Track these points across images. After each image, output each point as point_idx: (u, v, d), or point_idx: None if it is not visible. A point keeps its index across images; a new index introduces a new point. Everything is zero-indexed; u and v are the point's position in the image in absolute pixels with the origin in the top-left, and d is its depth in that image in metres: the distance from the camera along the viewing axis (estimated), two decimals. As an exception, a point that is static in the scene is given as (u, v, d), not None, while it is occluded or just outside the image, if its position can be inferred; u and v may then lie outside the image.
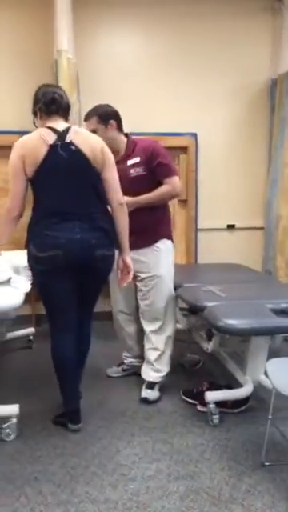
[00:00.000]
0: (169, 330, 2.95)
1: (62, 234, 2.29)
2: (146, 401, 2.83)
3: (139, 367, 3.13)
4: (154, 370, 2.91)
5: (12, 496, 1.99)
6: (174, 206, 4.27)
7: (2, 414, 2.44)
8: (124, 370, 3.18)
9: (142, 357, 3.13)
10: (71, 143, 2.30)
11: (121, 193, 2.45)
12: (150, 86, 4.16)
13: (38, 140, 2.30)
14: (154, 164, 2.79)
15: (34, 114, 2.45)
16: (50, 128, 2.33)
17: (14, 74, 4.02)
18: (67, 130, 2.33)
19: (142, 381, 2.95)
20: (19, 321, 2.91)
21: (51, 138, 2.30)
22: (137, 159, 2.82)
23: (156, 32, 4.22)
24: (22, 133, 3.73)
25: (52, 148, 2.28)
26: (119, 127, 2.86)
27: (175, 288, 3.01)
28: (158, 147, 2.84)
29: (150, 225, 2.86)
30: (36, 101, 2.42)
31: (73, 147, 2.30)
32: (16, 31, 4.00)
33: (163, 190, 2.81)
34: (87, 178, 2.35)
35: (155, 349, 2.92)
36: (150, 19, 4.19)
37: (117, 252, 2.54)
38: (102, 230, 2.37)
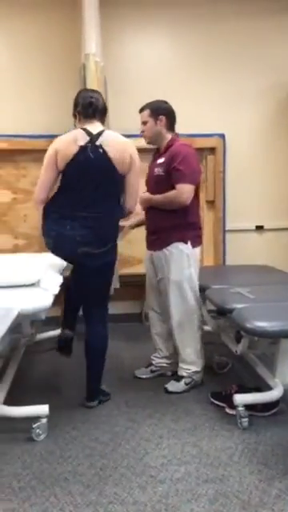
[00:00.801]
0: (188, 336, 2.96)
1: (56, 227, 2.55)
2: (165, 390, 2.93)
3: (167, 368, 3.14)
4: (181, 367, 3.00)
5: (42, 496, 2.01)
6: (202, 207, 4.25)
7: (32, 414, 2.47)
8: (152, 372, 3.18)
9: (170, 358, 3.13)
10: (100, 146, 2.47)
11: (136, 202, 2.64)
12: (178, 88, 4.15)
13: (72, 139, 2.50)
14: (171, 167, 2.80)
15: (74, 116, 2.64)
16: (85, 130, 2.52)
17: (43, 79, 4.07)
18: (100, 133, 2.52)
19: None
20: (48, 322, 2.95)
21: (84, 139, 2.49)
22: (162, 159, 2.87)
23: (183, 33, 4.21)
24: (51, 136, 3.80)
25: (82, 149, 2.47)
26: (169, 125, 2.91)
27: (203, 290, 3.00)
28: (183, 152, 2.80)
29: (165, 228, 2.89)
30: (76, 104, 2.62)
31: (100, 150, 2.47)
32: (44, 36, 4.05)
33: (169, 194, 2.81)
34: (106, 179, 2.53)
35: (179, 352, 3.00)
36: (176, 21, 4.19)
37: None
38: (89, 229, 2.52)
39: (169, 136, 2.91)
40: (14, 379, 2.79)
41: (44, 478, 2.13)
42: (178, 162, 2.77)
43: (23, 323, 2.70)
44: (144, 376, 3.18)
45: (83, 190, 2.53)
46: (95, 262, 2.57)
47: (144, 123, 2.91)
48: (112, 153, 2.49)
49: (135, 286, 4.14)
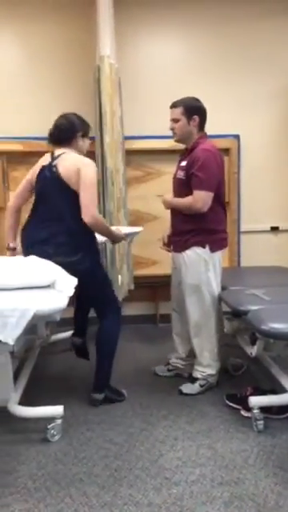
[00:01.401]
0: (205, 339, 2.95)
1: (28, 240, 2.78)
2: (179, 392, 2.94)
3: (183, 370, 3.14)
4: (196, 369, 2.99)
5: (57, 496, 2.02)
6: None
7: (47, 414, 2.49)
8: (169, 370, 3.19)
9: (185, 360, 3.13)
10: (54, 166, 2.70)
11: (92, 210, 2.59)
12: (192, 89, 4.09)
13: (41, 161, 2.83)
14: (190, 173, 2.78)
15: None
16: (51, 153, 2.80)
17: (57, 81, 4.09)
18: (59, 155, 2.74)
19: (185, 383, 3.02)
20: (63, 323, 2.97)
21: (47, 161, 2.77)
22: (185, 163, 2.84)
23: (196, 35, 4.20)
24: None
25: (42, 168, 2.77)
26: (200, 125, 2.87)
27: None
28: (203, 157, 2.74)
29: (184, 232, 2.89)
30: None
31: (54, 169, 2.70)
32: (59, 39, 4.07)
33: (186, 200, 2.80)
34: (62, 194, 2.68)
35: (195, 354, 3.00)
36: (190, 23, 4.17)
37: None
38: (59, 240, 2.66)
39: (197, 136, 2.87)
40: (28, 380, 2.81)
41: (59, 478, 2.14)
42: (197, 168, 2.73)
43: (38, 324, 2.71)
44: (161, 373, 3.20)
45: (47, 205, 2.74)
46: (73, 270, 2.55)
47: (175, 120, 2.84)
48: (61, 170, 2.67)
49: (150, 287, 4.15)
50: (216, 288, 2.94)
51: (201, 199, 2.74)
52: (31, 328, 2.37)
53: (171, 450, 2.36)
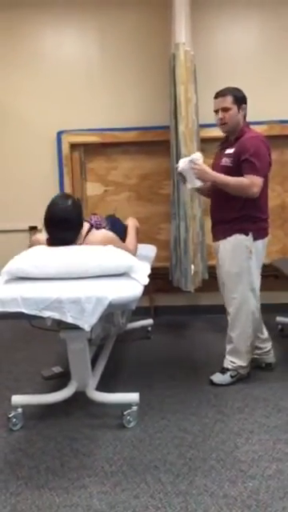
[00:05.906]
0: (239, 328, 2.87)
1: None
2: (210, 381, 2.93)
3: (258, 361, 3.07)
4: (227, 359, 2.95)
5: (133, 482, 2.05)
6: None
7: (124, 400, 2.54)
8: None
9: (259, 348, 3.05)
10: None
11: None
12: (269, 75, 4.01)
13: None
14: (242, 159, 2.70)
15: None
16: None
17: (133, 72, 4.11)
18: None
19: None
20: (138, 312, 3.00)
21: None
22: (231, 150, 2.79)
23: (274, 20, 4.03)
24: (141, 129, 3.87)
25: None
26: (245, 114, 2.85)
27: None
28: (253, 144, 2.70)
29: (225, 220, 2.82)
30: None
31: None
32: (134, 28, 4.08)
33: (243, 180, 2.68)
34: None
35: (229, 343, 2.94)
36: (267, 6, 4.02)
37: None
38: None
39: (243, 125, 2.83)
40: (105, 367, 2.87)
41: (135, 464, 2.18)
42: (250, 154, 2.67)
43: (114, 312, 2.76)
44: None
45: None
46: None
47: (225, 110, 2.78)
48: None
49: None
50: (256, 277, 2.85)
51: (255, 184, 2.67)
52: (108, 316, 2.42)
53: (246, 442, 2.32)
